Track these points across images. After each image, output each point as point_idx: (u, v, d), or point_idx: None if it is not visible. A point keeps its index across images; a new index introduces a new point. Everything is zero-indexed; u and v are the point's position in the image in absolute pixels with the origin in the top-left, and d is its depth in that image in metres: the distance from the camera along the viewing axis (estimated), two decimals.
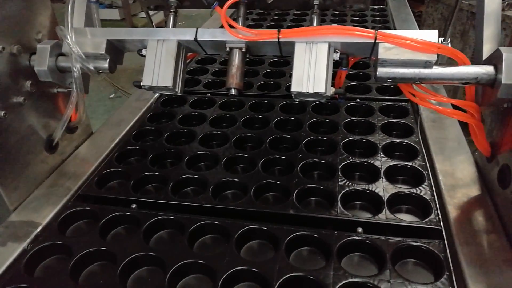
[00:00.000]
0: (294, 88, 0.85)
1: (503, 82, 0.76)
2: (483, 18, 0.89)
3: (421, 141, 1.12)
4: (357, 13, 2.23)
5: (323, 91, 0.83)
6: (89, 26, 1.05)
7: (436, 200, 0.92)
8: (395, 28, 1.98)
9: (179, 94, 0.97)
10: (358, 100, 1.35)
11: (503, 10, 2.79)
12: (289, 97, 1.00)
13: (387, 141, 1.13)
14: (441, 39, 1.05)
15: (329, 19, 2.15)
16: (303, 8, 0.96)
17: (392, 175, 1.02)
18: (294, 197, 0.95)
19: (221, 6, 0.85)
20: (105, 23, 1.89)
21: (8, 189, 0.97)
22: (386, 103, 1.32)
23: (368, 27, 1.96)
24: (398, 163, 1.04)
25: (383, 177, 1.00)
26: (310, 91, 0.84)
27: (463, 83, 0.83)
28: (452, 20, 1.12)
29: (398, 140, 1.13)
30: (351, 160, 1.06)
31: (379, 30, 0.81)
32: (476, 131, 0.88)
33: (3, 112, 0.93)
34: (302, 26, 0.95)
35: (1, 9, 0.93)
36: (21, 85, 0.99)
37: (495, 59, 0.80)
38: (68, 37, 0.92)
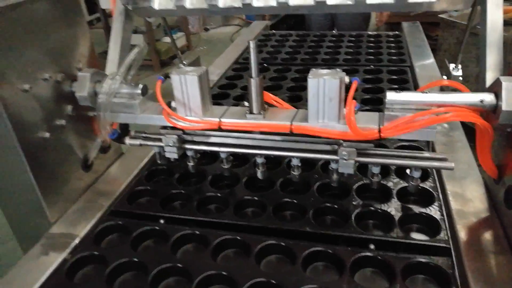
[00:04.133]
0: None
1: (503, 109, 0.82)
2: (485, 47, 0.95)
3: None
4: (372, 39, 2.32)
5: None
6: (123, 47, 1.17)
7: (446, 219, 0.97)
8: (409, 55, 2.05)
9: None
10: None
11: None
12: None
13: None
14: (452, 65, 1.12)
15: (345, 45, 2.24)
16: None
17: (403, 195, 1.07)
18: (310, 215, 1.01)
19: None
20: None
21: (50, 203, 1.06)
22: None
23: (383, 53, 2.05)
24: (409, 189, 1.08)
25: (395, 197, 1.05)
26: None
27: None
28: (462, 47, 1.18)
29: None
30: (364, 182, 1.12)
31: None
32: (478, 151, 0.93)
33: (48, 134, 1.04)
34: None
35: (48, 42, 1.05)
36: (64, 109, 1.11)
37: (496, 87, 0.86)
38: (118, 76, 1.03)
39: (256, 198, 1.11)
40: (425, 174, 1.12)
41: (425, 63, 1.95)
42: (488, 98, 0.86)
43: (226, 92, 1.75)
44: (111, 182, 1.25)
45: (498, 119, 0.83)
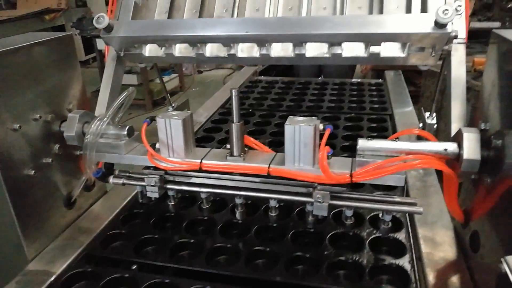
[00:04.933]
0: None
1: (464, 157, 0.88)
2: (450, 100, 1.03)
3: None
4: (355, 87, 2.43)
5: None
6: (113, 90, 1.23)
7: (416, 266, 1.00)
8: (390, 103, 2.15)
9: None
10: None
11: None
12: None
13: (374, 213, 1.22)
14: (427, 114, 1.19)
15: (329, 92, 2.34)
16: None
17: (376, 245, 1.10)
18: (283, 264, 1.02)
19: None
20: (124, 87, 2.08)
21: (29, 240, 1.07)
22: None
23: (365, 101, 2.15)
24: (381, 235, 1.11)
25: (367, 247, 1.08)
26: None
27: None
28: (435, 97, 1.26)
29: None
30: (338, 231, 1.14)
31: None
32: (445, 198, 0.98)
33: (33, 171, 1.07)
34: None
35: (42, 84, 1.10)
36: (51, 147, 1.14)
37: (459, 137, 0.92)
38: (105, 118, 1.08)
39: (229, 245, 1.11)
40: (398, 223, 1.16)
41: (404, 111, 2.05)
42: (452, 147, 0.92)
43: (211, 135, 1.80)
44: (92, 220, 1.26)
45: (461, 167, 0.89)
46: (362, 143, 0.95)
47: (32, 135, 1.07)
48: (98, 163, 1.13)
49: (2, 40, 1.10)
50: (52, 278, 1.01)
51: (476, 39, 3.84)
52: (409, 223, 1.15)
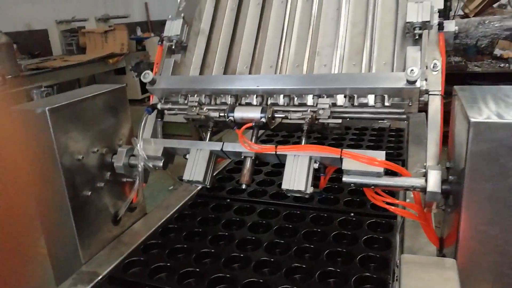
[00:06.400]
0: (284, 186, 1.20)
1: (427, 190, 1.06)
2: (427, 143, 1.21)
3: (397, 234, 1.38)
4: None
5: (303, 189, 1.17)
6: (154, 136, 1.52)
7: None
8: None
9: (208, 186, 1.36)
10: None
11: None
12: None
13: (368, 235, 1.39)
14: None
15: (348, 137, 2.51)
16: (297, 130, 1.34)
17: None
18: None
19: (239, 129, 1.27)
20: (171, 125, 2.39)
21: (83, 247, 1.36)
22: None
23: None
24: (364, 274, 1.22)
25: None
26: (295, 188, 1.18)
27: (406, 190, 1.13)
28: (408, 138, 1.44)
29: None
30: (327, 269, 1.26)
31: (343, 150, 1.16)
32: (422, 226, 1.15)
33: (90, 192, 1.37)
34: (298, 143, 1.31)
35: (100, 125, 1.43)
36: (104, 174, 1.45)
37: (426, 174, 1.10)
38: (139, 145, 1.38)
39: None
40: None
41: None
42: (420, 182, 1.11)
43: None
44: (132, 236, 1.54)
45: (425, 198, 1.07)
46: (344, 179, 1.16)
47: (91, 165, 1.39)
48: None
49: (76, 91, 1.45)
50: (99, 278, 1.29)
51: None
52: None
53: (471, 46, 5.20)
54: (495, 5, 5.58)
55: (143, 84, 1.44)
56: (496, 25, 5.11)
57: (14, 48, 5.39)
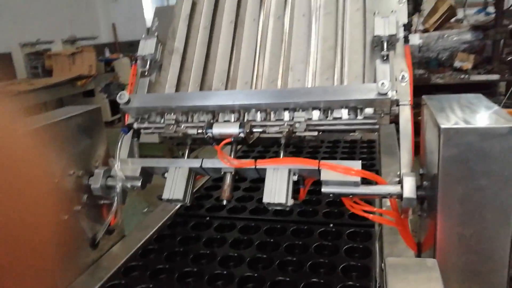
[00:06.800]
0: (265, 199, 1.21)
1: (403, 196, 1.10)
2: (400, 151, 1.26)
3: (376, 242, 1.41)
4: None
5: (284, 201, 1.19)
6: (131, 156, 1.51)
7: None
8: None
9: (188, 204, 1.35)
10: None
11: None
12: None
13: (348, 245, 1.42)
14: None
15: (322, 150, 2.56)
16: (273, 144, 1.36)
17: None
18: None
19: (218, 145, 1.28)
20: (146, 145, 2.36)
21: (60, 273, 1.32)
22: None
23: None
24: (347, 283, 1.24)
25: None
26: (276, 201, 1.20)
27: (383, 197, 1.17)
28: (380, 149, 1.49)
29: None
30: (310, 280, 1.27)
31: (321, 161, 1.19)
32: (399, 232, 1.18)
33: (66, 216, 1.34)
34: (275, 157, 1.33)
35: (76, 147, 1.40)
36: (80, 197, 1.42)
37: (402, 181, 1.15)
38: (116, 165, 1.37)
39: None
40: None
41: None
42: (397, 189, 1.15)
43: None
44: (111, 259, 1.50)
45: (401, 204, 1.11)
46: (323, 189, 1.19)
47: (67, 187, 1.35)
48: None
49: (48, 113, 1.42)
50: None
51: (479, 91, 4.08)
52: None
53: (432, 59, 5.47)
54: (452, 20, 5.90)
55: (113, 106, 1.46)
56: (454, 38, 5.40)
57: None
